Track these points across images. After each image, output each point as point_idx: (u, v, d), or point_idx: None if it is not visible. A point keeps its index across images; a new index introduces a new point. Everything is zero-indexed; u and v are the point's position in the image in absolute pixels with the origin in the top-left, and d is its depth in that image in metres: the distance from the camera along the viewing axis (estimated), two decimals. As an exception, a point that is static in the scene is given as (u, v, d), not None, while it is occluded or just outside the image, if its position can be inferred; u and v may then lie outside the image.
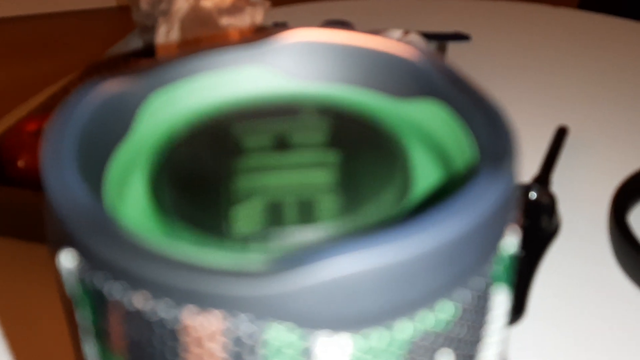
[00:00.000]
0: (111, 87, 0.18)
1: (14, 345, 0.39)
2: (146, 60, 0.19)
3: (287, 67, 0.21)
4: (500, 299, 0.16)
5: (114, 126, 0.18)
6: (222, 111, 0.20)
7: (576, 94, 0.62)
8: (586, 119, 0.59)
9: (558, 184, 0.50)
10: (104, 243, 0.13)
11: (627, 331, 0.39)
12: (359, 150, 0.19)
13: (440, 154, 0.19)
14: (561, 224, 0.47)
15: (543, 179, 0.48)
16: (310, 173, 0.18)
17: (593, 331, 0.39)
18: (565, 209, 0.48)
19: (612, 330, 0.39)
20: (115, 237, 0.13)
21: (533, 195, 0.46)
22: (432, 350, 0.14)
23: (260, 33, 0.21)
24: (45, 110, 0.53)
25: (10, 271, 0.44)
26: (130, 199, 0.18)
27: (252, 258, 0.16)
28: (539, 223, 0.45)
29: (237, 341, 0.13)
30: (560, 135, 0.53)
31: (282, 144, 0.19)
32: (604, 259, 0.44)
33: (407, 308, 0.14)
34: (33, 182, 0.47)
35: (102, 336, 0.15)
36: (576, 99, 0.62)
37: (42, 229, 0.45)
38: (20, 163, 0.47)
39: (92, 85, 0.18)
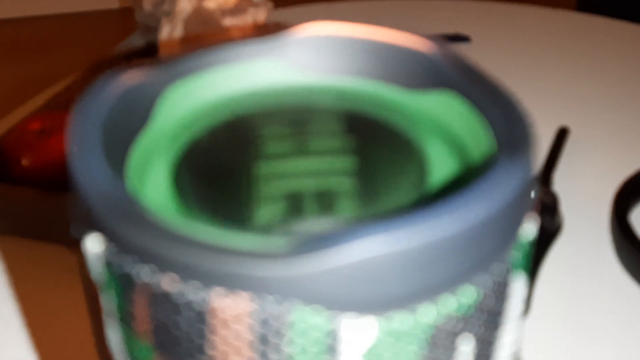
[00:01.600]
0: (131, 79, 0.18)
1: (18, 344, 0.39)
2: (149, 59, 0.19)
3: (303, 61, 0.21)
4: (519, 286, 0.16)
5: (134, 116, 0.18)
6: (240, 103, 0.20)
7: (576, 95, 0.63)
8: (587, 120, 0.59)
9: (560, 184, 0.51)
10: (132, 227, 0.14)
11: (629, 329, 0.39)
12: (374, 143, 0.19)
13: (456, 145, 0.19)
14: (563, 223, 0.47)
15: (545, 178, 0.48)
16: (327, 166, 0.18)
17: (595, 329, 0.39)
18: (567, 209, 0.48)
19: (614, 328, 0.39)
20: (143, 221, 0.14)
21: (535, 194, 0.46)
22: (454, 334, 0.15)
23: (264, 30, 0.21)
24: (49, 109, 0.54)
25: (15, 270, 0.44)
26: (151, 187, 0.18)
27: (277, 241, 0.16)
28: (541, 222, 0.45)
29: (264, 323, 0.13)
30: (562, 135, 0.54)
31: (299, 136, 0.19)
32: (606, 258, 0.44)
33: (430, 292, 0.14)
34: (37, 181, 0.47)
35: (127, 320, 0.15)
36: (576, 100, 0.62)
37: (46, 228, 0.45)
38: (24, 162, 0.47)
39: (112, 77, 0.18)
